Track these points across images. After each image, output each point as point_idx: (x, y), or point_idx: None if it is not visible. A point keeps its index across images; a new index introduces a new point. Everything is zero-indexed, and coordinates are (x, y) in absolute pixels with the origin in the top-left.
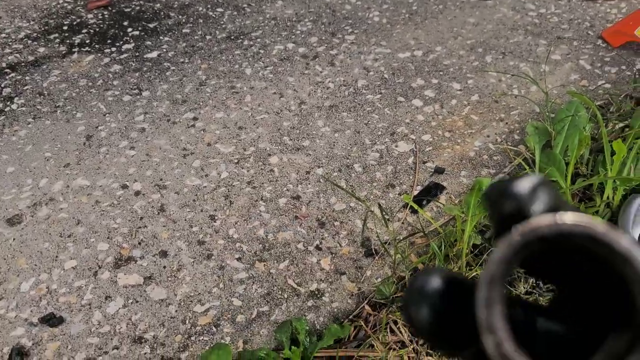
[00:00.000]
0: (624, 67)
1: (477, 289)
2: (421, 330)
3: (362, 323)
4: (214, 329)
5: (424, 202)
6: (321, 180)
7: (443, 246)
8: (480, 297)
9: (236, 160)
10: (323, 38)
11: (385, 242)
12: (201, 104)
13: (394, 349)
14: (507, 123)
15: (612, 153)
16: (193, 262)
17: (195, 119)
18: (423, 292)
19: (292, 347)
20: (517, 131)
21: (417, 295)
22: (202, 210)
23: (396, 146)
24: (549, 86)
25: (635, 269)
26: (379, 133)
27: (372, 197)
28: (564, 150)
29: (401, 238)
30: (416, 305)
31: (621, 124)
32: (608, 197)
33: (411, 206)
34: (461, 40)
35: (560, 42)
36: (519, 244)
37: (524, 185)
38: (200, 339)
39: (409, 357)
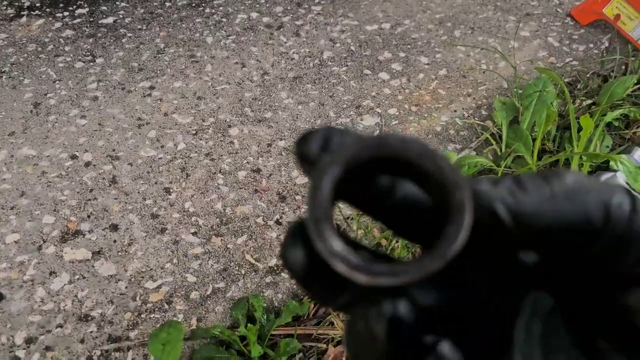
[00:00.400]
0: (591, 45)
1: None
2: (296, 274)
3: None
4: (166, 306)
5: None
6: (283, 153)
7: None
8: (308, 214)
9: (194, 131)
10: (288, 8)
11: (348, 217)
12: (159, 72)
13: None
14: (474, 98)
15: (579, 129)
16: (145, 236)
17: (151, 88)
18: (298, 236)
19: (248, 324)
20: (485, 106)
21: (293, 238)
22: (156, 183)
23: (361, 119)
24: (517, 62)
25: (425, 156)
26: (344, 106)
27: None
28: (531, 126)
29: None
30: (291, 248)
31: (588, 101)
32: None
33: None
34: (430, 14)
35: (530, 18)
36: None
37: (317, 133)
38: (151, 316)
39: None
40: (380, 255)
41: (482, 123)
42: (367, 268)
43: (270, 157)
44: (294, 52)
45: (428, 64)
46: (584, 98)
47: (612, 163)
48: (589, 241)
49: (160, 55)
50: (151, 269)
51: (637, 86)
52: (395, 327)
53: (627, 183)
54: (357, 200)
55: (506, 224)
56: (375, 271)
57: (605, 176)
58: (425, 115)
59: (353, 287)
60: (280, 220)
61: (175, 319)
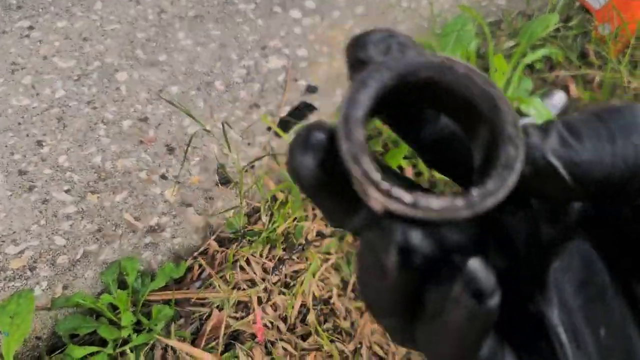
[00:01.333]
0: None
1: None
2: (306, 182)
3: (204, 261)
4: (29, 272)
5: (292, 124)
6: (175, 99)
7: None
8: (339, 130)
9: (76, 77)
10: None
11: (243, 168)
12: (40, 10)
13: (243, 289)
14: None
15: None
16: (11, 195)
17: (31, 28)
18: (312, 139)
19: (118, 290)
20: None
21: (305, 142)
22: (28, 135)
23: (267, 62)
24: (440, 0)
25: (486, 96)
26: (249, 47)
27: (233, 118)
28: None
29: (251, 165)
30: (302, 151)
31: (511, 42)
32: None
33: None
34: None
35: None
36: (372, 73)
37: (376, 35)
38: (11, 285)
39: (258, 297)
40: (415, 186)
41: None
42: (387, 188)
43: (161, 104)
44: None
45: (345, 1)
46: (505, 38)
47: (523, 107)
48: None
49: None
50: (14, 232)
51: (561, 25)
52: (408, 258)
53: None
54: (397, 121)
55: (563, 179)
56: (394, 194)
57: (524, 121)
58: (338, 56)
59: (369, 208)
60: (165, 175)
61: (38, 286)
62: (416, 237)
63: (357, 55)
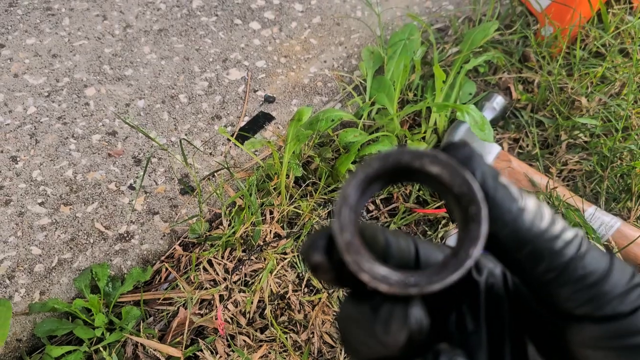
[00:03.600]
0: None
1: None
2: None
3: (169, 264)
4: (8, 281)
5: (251, 134)
6: (141, 113)
7: (262, 180)
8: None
9: (47, 93)
10: None
11: (202, 179)
12: (10, 28)
13: (206, 288)
14: (346, 47)
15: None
16: None
17: (1, 46)
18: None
19: (90, 294)
20: (355, 56)
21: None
22: (2, 152)
23: (227, 74)
24: (393, 8)
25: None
26: (210, 60)
27: (195, 129)
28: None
29: (211, 175)
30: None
31: (456, 48)
32: (435, 123)
33: (239, 138)
34: None
35: None
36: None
37: (322, 238)
38: None
39: (220, 295)
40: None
41: (349, 75)
42: (398, 282)
43: (128, 118)
44: (160, 2)
45: (302, 12)
46: (451, 45)
47: (458, 114)
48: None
49: (12, 8)
50: None
51: (504, 30)
52: (416, 335)
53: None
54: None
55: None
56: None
57: (464, 127)
58: (294, 67)
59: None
60: (133, 185)
61: (17, 293)
62: (423, 317)
63: (314, 261)
